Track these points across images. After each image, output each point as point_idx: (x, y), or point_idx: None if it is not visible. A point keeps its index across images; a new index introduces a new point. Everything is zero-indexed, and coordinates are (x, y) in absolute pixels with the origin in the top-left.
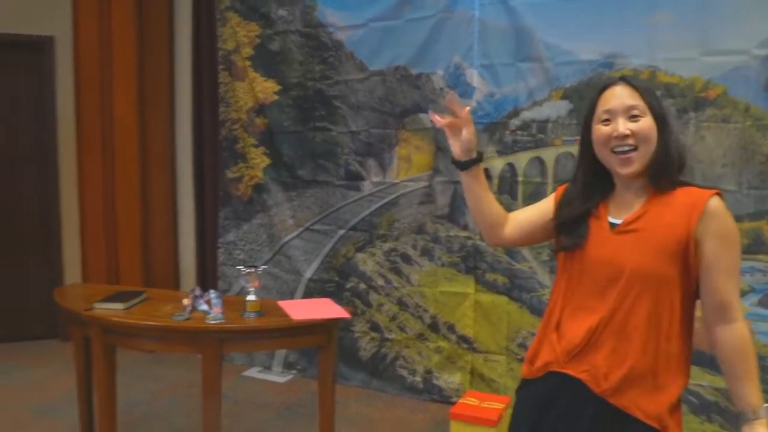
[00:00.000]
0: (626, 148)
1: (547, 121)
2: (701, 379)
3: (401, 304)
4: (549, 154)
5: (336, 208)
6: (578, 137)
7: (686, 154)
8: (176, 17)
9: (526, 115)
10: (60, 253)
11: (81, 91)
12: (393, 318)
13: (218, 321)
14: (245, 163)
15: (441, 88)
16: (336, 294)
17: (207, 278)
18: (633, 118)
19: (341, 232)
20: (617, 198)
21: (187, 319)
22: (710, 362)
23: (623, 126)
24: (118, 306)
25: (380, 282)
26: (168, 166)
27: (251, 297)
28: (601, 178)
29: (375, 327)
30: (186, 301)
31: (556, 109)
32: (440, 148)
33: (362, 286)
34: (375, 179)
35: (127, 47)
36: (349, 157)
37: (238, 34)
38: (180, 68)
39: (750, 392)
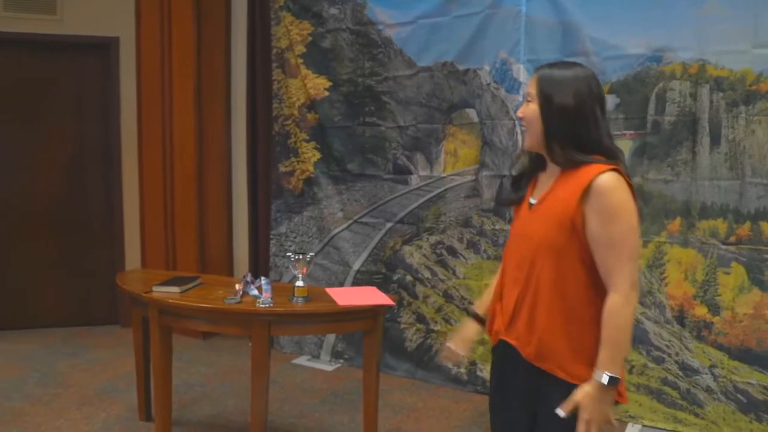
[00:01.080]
0: (523, 127)
1: None
2: (749, 377)
3: (447, 296)
4: None
5: (384, 202)
6: (625, 131)
7: (597, 138)
8: (232, 18)
9: None
10: (122, 245)
11: (142, 89)
12: (438, 310)
13: (267, 305)
14: (297, 157)
15: (488, 84)
16: (383, 285)
17: (259, 268)
18: (527, 103)
19: (389, 224)
20: (540, 179)
21: (239, 302)
22: (758, 360)
23: (519, 109)
24: (175, 289)
25: (426, 274)
26: (223, 161)
27: (299, 283)
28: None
29: (421, 318)
30: (238, 286)
31: None
32: (486, 143)
33: (409, 278)
34: (422, 173)
35: (187, 47)
36: (397, 152)
37: (291, 33)
38: (235, 67)
39: (600, 357)
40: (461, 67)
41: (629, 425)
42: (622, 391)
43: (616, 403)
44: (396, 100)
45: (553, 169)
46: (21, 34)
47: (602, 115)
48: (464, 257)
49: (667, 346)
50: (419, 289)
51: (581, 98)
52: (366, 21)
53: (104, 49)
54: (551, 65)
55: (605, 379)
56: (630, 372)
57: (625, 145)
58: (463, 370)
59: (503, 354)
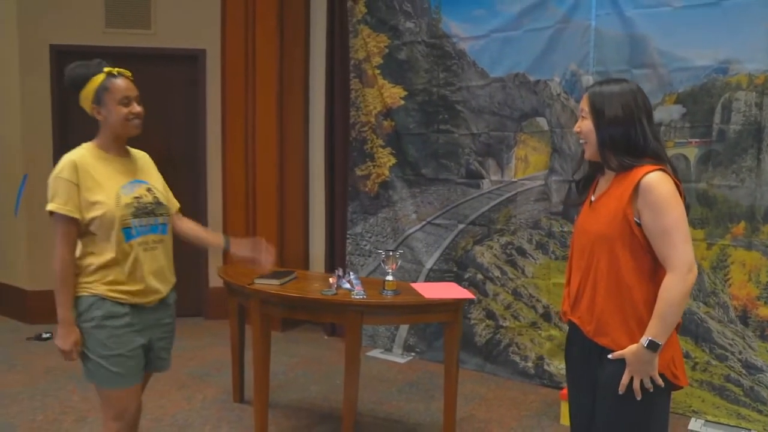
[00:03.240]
0: (582, 141)
1: (660, 124)
2: None
3: (516, 294)
4: None
5: (456, 204)
6: (691, 139)
7: (645, 143)
8: (312, 30)
9: None
10: None
11: (227, 97)
12: (507, 307)
13: (361, 297)
14: (373, 162)
15: (558, 94)
16: (455, 283)
17: (335, 264)
18: (582, 119)
19: (461, 226)
20: (599, 182)
21: (335, 294)
22: None
23: (576, 124)
24: (275, 282)
25: (496, 273)
26: (302, 165)
27: (389, 278)
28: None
29: (490, 315)
30: (332, 280)
31: (669, 112)
32: (556, 150)
33: (479, 276)
34: (494, 178)
35: (269, 58)
36: (470, 157)
37: (369, 45)
38: (315, 76)
39: (649, 325)
40: (532, 78)
41: (693, 420)
42: (678, 374)
43: (676, 387)
44: (469, 108)
45: (609, 172)
46: (120, 47)
47: (648, 123)
48: (533, 257)
49: (731, 345)
50: (489, 287)
51: (629, 110)
52: (441, 34)
53: (192, 60)
54: (600, 83)
55: (645, 342)
56: (693, 369)
57: (691, 152)
58: (530, 364)
59: (571, 332)
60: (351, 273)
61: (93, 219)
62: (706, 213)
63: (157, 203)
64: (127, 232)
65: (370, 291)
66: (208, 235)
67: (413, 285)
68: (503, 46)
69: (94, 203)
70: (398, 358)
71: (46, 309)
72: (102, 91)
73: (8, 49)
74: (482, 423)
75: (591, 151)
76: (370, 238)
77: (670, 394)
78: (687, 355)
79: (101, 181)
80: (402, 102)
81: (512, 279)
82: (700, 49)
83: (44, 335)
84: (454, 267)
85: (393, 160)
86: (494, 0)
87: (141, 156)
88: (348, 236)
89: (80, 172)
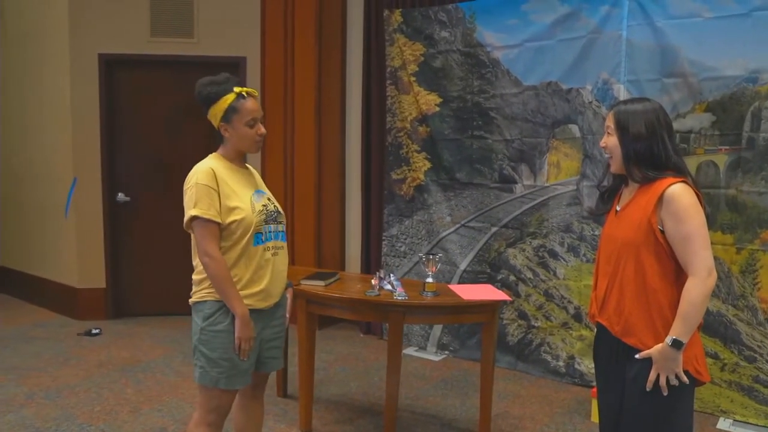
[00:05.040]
0: (607, 155)
1: (690, 132)
2: None
3: (547, 295)
4: (691, 162)
5: (490, 208)
6: (720, 147)
7: (666, 158)
8: (349, 38)
9: None
10: None
11: (267, 103)
12: (539, 307)
13: (403, 298)
14: (408, 166)
15: (590, 102)
16: (488, 284)
17: (371, 266)
18: (607, 135)
19: (494, 229)
20: (624, 192)
21: (377, 295)
22: None
23: (602, 140)
24: (320, 283)
25: (529, 275)
26: (339, 169)
27: (429, 279)
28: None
29: (522, 315)
30: (374, 281)
31: (699, 120)
32: (588, 156)
33: (512, 277)
34: (527, 182)
35: (307, 64)
36: (503, 163)
37: (405, 53)
38: (351, 83)
39: (673, 325)
40: (565, 87)
41: (721, 419)
42: (700, 370)
43: (699, 382)
44: (503, 115)
45: (633, 184)
46: (164, 55)
47: (670, 139)
48: (565, 260)
49: (759, 347)
50: (521, 288)
51: (652, 127)
52: (475, 43)
53: (233, 67)
54: (625, 102)
55: (670, 341)
56: (722, 369)
57: (721, 159)
58: (561, 363)
59: (599, 333)
60: (391, 275)
61: (232, 222)
62: (735, 218)
63: (278, 212)
64: (257, 237)
65: (410, 292)
66: None
67: (451, 286)
68: (536, 55)
69: (233, 208)
70: (432, 356)
71: (95, 306)
72: (231, 111)
73: (61, 58)
74: (516, 419)
75: (616, 165)
76: (405, 239)
77: (694, 390)
78: (716, 356)
79: (236, 188)
80: (437, 108)
81: (544, 280)
82: (730, 58)
83: (93, 331)
84: (487, 268)
85: (428, 165)
86: (528, 10)
87: (252, 169)
88: (383, 238)
89: (218, 179)
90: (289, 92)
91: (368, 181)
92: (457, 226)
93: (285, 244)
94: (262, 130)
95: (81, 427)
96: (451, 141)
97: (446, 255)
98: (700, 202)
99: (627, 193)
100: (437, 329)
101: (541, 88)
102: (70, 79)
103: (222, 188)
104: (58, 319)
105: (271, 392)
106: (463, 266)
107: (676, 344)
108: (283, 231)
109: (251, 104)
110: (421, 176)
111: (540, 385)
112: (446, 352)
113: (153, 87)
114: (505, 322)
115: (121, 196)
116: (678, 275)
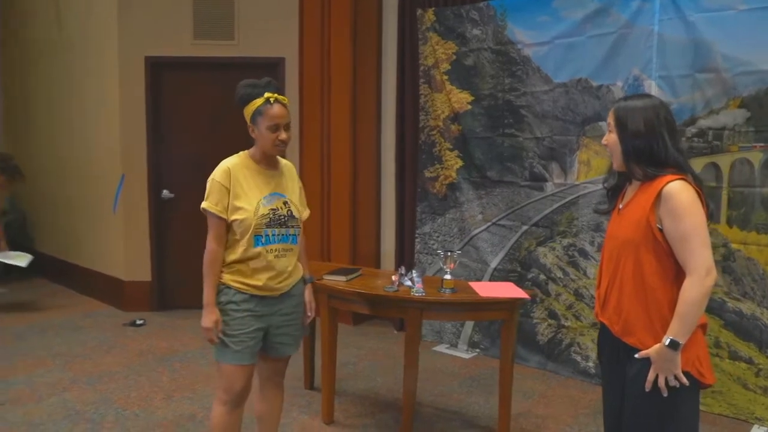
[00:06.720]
0: (609, 153)
1: (723, 128)
2: None
3: (577, 294)
4: (725, 160)
5: (521, 206)
6: (755, 143)
7: (666, 155)
8: (384, 39)
9: (703, 123)
10: None
11: (304, 102)
12: (569, 307)
13: (420, 294)
14: (441, 164)
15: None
16: (518, 283)
17: (405, 262)
18: (608, 132)
19: (525, 227)
20: (627, 190)
21: (396, 291)
22: None
23: (604, 137)
24: (341, 278)
25: (559, 274)
26: (374, 167)
27: (447, 276)
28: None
29: (552, 314)
30: (394, 278)
31: (732, 117)
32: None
33: (542, 276)
34: (557, 181)
35: (343, 65)
36: (534, 161)
37: (437, 52)
38: (386, 82)
39: (670, 325)
40: (595, 83)
41: (755, 426)
42: (703, 372)
43: (703, 385)
44: (533, 113)
45: (635, 181)
46: (207, 57)
47: (670, 137)
48: (595, 259)
49: None
50: (551, 287)
51: (650, 124)
52: (506, 41)
53: (272, 68)
54: (625, 98)
55: (666, 341)
56: (757, 375)
57: (756, 156)
58: (591, 363)
59: (602, 332)
60: (414, 271)
61: (234, 221)
62: None
63: (290, 216)
64: (257, 239)
65: (429, 289)
66: (301, 261)
67: (471, 284)
68: (567, 51)
69: (238, 208)
70: (463, 353)
71: (140, 298)
72: (257, 114)
73: (110, 61)
74: (539, 419)
75: (617, 162)
76: (438, 237)
77: (698, 392)
78: (750, 361)
79: (247, 190)
80: (469, 107)
81: (574, 280)
82: (765, 52)
83: (138, 322)
84: (517, 267)
85: (460, 163)
86: (558, 7)
87: (287, 168)
88: (417, 235)
89: (232, 179)
90: (326, 91)
91: (402, 179)
92: (489, 224)
93: (295, 247)
94: (284, 135)
95: (117, 411)
96: (482, 139)
97: (477, 253)
98: (702, 200)
99: (629, 192)
100: (468, 327)
101: (571, 85)
102: (119, 81)
103: (234, 188)
104: (106, 310)
105: (299, 384)
106: (493, 264)
107: (673, 345)
108: (294, 234)
109: (276, 110)
110: (454, 174)
111: (568, 386)
112: (477, 350)
113: (196, 88)
114: (535, 321)
115: (165, 192)
116: (678, 274)
